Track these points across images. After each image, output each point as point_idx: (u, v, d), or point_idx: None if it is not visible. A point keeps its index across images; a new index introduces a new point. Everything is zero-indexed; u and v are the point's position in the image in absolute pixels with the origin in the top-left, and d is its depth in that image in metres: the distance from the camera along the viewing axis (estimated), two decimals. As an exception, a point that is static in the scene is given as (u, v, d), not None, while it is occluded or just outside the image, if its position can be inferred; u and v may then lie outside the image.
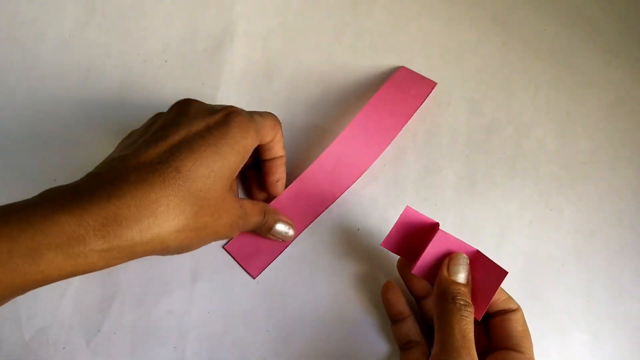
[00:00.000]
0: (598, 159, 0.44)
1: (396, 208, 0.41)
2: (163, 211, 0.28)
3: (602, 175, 0.43)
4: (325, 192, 0.40)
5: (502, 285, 0.32)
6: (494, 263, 0.32)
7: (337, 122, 0.44)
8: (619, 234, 0.41)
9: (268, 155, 0.38)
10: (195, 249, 0.32)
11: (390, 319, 0.37)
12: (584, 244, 0.41)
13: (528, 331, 0.33)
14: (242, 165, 0.33)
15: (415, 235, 0.35)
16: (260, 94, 0.45)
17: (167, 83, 0.45)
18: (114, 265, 0.28)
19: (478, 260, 0.33)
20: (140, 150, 0.30)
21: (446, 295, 0.31)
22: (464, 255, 0.33)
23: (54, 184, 0.29)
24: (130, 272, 0.39)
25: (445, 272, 0.32)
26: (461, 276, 0.32)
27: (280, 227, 0.38)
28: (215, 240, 0.34)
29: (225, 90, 0.45)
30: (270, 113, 0.36)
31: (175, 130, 0.31)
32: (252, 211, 0.36)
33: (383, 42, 0.48)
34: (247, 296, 0.39)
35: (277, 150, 0.37)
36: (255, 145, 0.34)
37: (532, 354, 0.32)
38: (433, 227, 0.34)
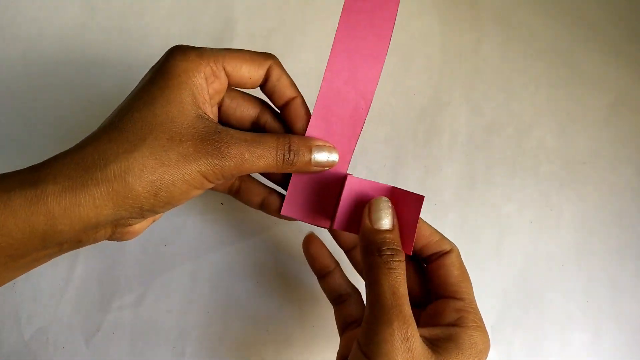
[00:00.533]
0: (598, 159, 0.44)
1: (396, 208, 0.41)
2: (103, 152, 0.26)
3: (602, 175, 0.43)
4: (355, 98, 0.33)
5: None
6: (409, 192, 0.30)
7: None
8: (619, 234, 0.41)
9: (277, 100, 0.32)
10: (179, 190, 0.27)
11: (317, 275, 0.35)
12: (584, 244, 0.41)
13: (466, 273, 0.31)
14: (205, 99, 0.29)
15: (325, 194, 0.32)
16: (260, 93, 0.45)
17: (167, 83, 0.45)
18: (76, 219, 0.25)
19: (394, 195, 0.31)
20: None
21: (371, 247, 0.28)
22: (385, 198, 0.30)
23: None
24: (130, 271, 0.39)
25: (367, 222, 0.29)
26: (385, 222, 0.29)
27: (319, 155, 0.31)
28: (201, 174, 0.27)
29: (225, 90, 0.45)
30: (249, 51, 0.31)
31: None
32: (261, 142, 0.29)
33: (383, 42, 0.48)
34: (247, 296, 0.39)
35: (284, 89, 0.32)
36: (213, 81, 0.30)
37: (472, 298, 0.30)
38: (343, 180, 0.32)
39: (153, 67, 0.30)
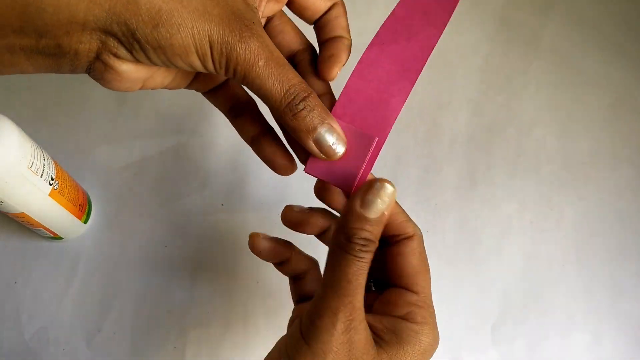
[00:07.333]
0: (598, 159, 0.43)
1: (396, 208, 0.41)
2: None
3: (602, 175, 0.43)
4: (396, 80, 0.28)
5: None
6: (362, 132, 0.27)
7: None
8: (619, 234, 0.41)
9: (324, 35, 0.29)
10: (178, 42, 0.23)
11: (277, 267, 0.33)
12: (584, 244, 0.41)
13: (425, 264, 0.29)
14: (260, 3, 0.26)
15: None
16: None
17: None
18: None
19: (347, 132, 0.27)
20: None
21: (346, 230, 0.25)
22: (389, 185, 0.25)
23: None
24: (131, 272, 0.39)
25: (357, 203, 0.25)
26: (373, 210, 0.25)
27: (327, 135, 0.26)
28: (208, 39, 0.24)
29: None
30: None
31: None
32: (284, 67, 0.25)
33: (383, 42, 0.48)
34: (247, 296, 0.39)
35: (337, 27, 0.29)
36: None
37: (428, 292, 0.28)
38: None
39: None
